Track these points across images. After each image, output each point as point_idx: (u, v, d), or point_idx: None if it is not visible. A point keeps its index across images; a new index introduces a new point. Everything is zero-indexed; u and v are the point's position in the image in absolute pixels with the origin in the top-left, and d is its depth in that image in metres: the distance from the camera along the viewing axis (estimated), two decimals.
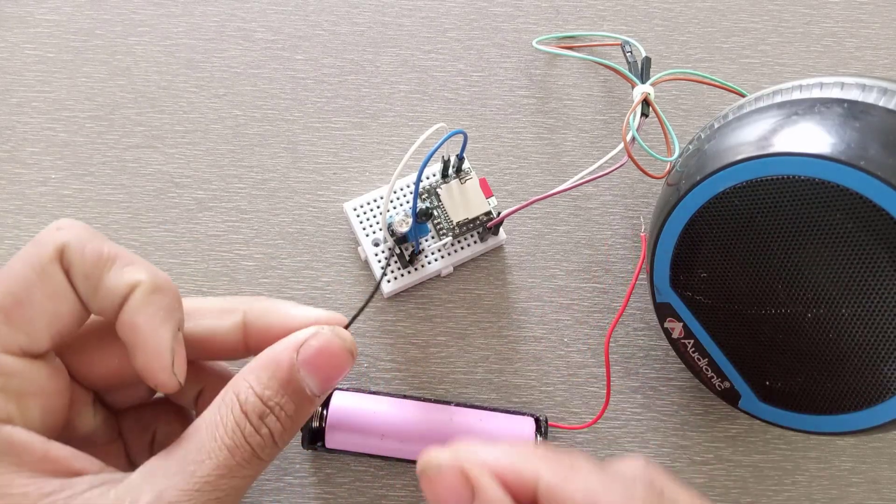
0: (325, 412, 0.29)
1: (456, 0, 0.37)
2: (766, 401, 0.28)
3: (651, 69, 0.33)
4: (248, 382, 0.23)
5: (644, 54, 0.33)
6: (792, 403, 0.27)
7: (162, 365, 0.22)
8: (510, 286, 0.33)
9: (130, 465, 0.26)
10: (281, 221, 0.34)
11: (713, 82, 0.34)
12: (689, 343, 0.29)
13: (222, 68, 0.36)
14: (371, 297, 0.27)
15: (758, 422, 0.30)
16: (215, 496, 0.21)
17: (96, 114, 0.35)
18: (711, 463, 0.31)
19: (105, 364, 0.24)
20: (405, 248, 0.32)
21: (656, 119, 0.32)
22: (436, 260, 0.32)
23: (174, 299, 0.23)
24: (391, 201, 0.33)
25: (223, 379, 0.27)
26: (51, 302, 0.22)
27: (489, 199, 0.32)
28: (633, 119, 0.30)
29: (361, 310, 0.26)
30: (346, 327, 0.25)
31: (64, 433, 0.23)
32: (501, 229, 0.33)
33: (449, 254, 0.33)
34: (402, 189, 0.33)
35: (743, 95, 0.33)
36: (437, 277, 0.33)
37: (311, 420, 0.29)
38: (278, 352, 0.23)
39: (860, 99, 0.25)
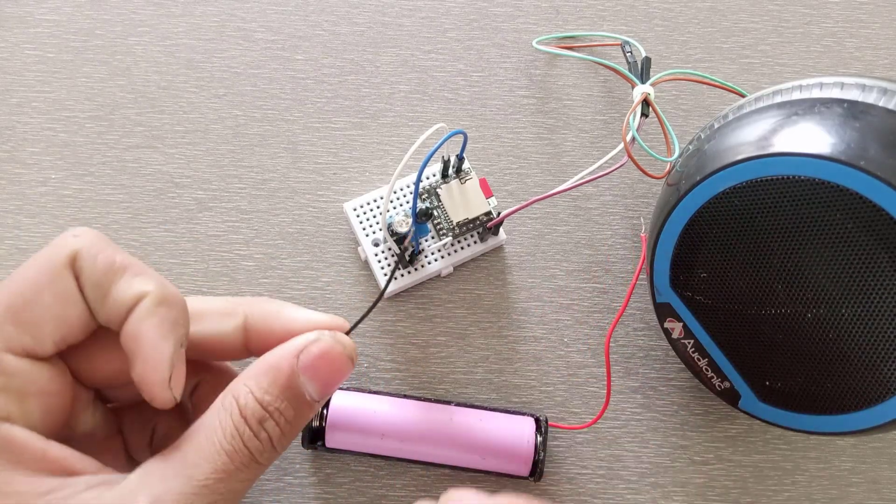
0: (325, 411, 0.29)
1: (456, 0, 0.37)
2: (765, 401, 0.28)
3: (651, 69, 0.33)
4: (247, 387, 0.23)
5: (644, 54, 0.33)
6: (792, 403, 0.27)
7: (159, 377, 0.22)
8: (510, 286, 0.33)
9: (130, 460, 0.26)
10: (281, 221, 0.34)
11: (713, 82, 0.34)
12: (689, 343, 0.29)
13: (222, 68, 0.36)
14: (375, 304, 0.27)
15: (758, 422, 0.30)
16: (212, 500, 0.21)
17: (96, 114, 0.35)
18: (711, 463, 0.31)
19: (108, 366, 0.24)
20: (405, 248, 0.32)
21: (656, 119, 0.32)
22: (436, 260, 0.32)
23: (180, 314, 0.23)
24: (391, 201, 0.33)
25: (219, 373, 0.27)
26: (59, 306, 0.22)
27: (489, 199, 0.32)
28: (633, 119, 0.30)
29: (364, 317, 0.26)
30: (348, 333, 0.25)
31: (64, 430, 0.23)
32: (501, 229, 0.33)
33: (449, 254, 0.33)
34: (402, 189, 0.33)
35: (743, 95, 0.33)
36: (437, 277, 0.33)
37: (311, 420, 0.29)
38: (279, 357, 0.23)
39: (860, 99, 0.25)
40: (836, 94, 0.25)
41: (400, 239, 0.31)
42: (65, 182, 0.34)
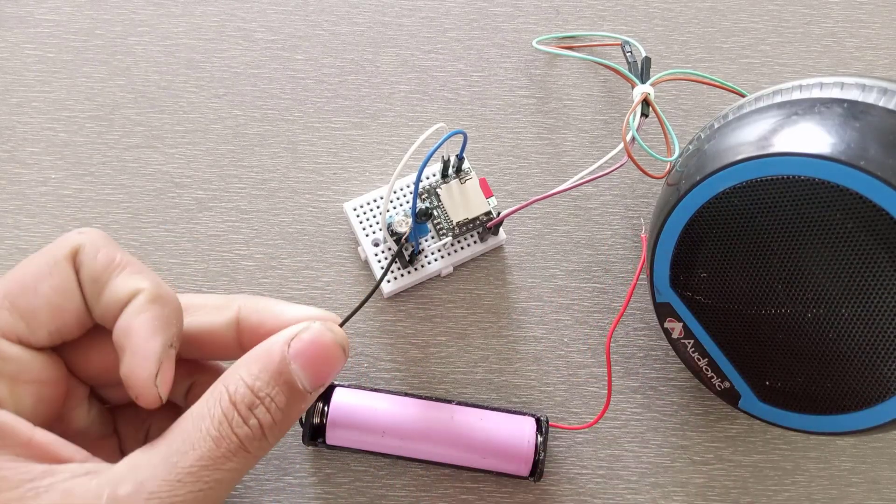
0: (326, 409, 0.29)
1: (456, 0, 0.37)
2: (766, 401, 0.28)
3: (651, 69, 0.33)
4: (238, 374, 0.22)
5: (644, 54, 0.33)
6: (792, 403, 0.27)
7: (145, 374, 0.22)
8: (510, 286, 0.33)
9: None
10: (281, 221, 0.34)
11: (713, 82, 0.34)
12: (689, 343, 0.29)
13: (222, 68, 0.36)
14: (368, 296, 0.27)
15: (758, 422, 0.30)
16: (198, 488, 0.21)
17: (96, 114, 0.35)
18: (711, 463, 0.31)
19: (101, 360, 0.24)
20: (405, 248, 0.32)
21: (656, 119, 0.32)
22: (436, 260, 0.32)
23: (173, 313, 0.23)
24: (391, 201, 0.33)
25: (214, 374, 0.27)
26: (56, 297, 0.22)
27: (489, 199, 0.32)
28: (633, 119, 0.30)
29: (357, 308, 0.26)
30: (341, 325, 0.25)
31: (58, 426, 0.23)
32: (501, 229, 0.33)
33: (449, 254, 0.33)
34: (402, 189, 0.33)
35: (743, 95, 0.33)
36: (437, 277, 0.33)
37: (312, 416, 0.29)
38: (270, 344, 0.23)
39: (860, 99, 0.25)
40: (836, 94, 0.25)
41: (399, 239, 0.31)
42: (65, 182, 0.34)
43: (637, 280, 0.30)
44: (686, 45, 0.37)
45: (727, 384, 0.28)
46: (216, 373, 0.27)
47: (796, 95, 0.26)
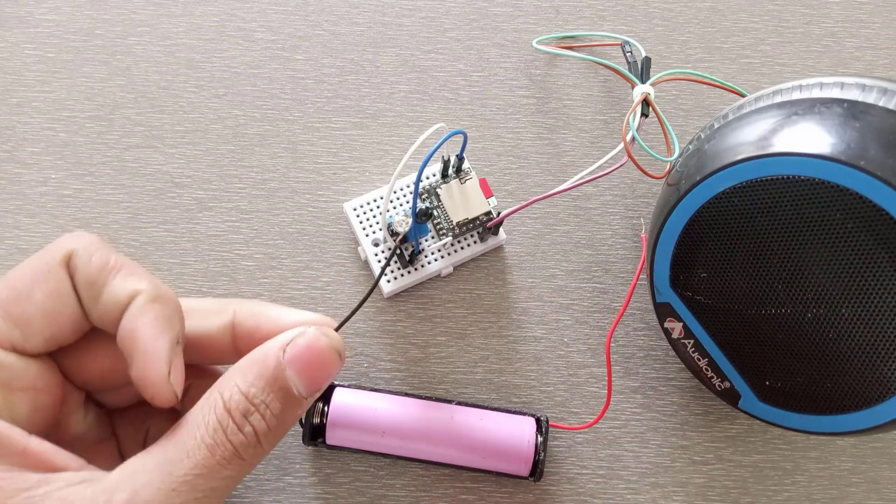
0: (326, 408, 0.29)
1: (456, 0, 0.37)
2: (766, 401, 0.28)
3: (651, 69, 0.33)
4: (233, 381, 0.22)
5: (644, 54, 0.33)
6: (792, 403, 0.27)
7: (159, 374, 0.22)
8: (510, 286, 0.33)
9: None
10: (281, 221, 0.34)
11: (713, 82, 0.34)
12: (689, 343, 0.29)
13: (222, 68, 0.36)
14: (365, 298, 0.27)
15: (758, 422, 0.30)
16: (193, 497, 0.21)
17: (96, 114, 0.35)
18: (711, 463, 0.31)
19: (97, 365, 0.24)
20: (405, 248, 0.32)
21: (656, 119, 0.32)
22: (436, 260, 0.32)
23: (174, 311, 0.23)
24: (391, 201, 0.33)
25: (210, 378, 0.27)
26: (51, 303, 0.22)
27: (489, 199, 0.32)
28: (633, 119, 0.30)
29: (354, 311, 0.26)
30: (337, 329, 0.25)
31: (55, 432, 0.23)
32: (501, 229, 0.33)
33: (449, 254, 0.33)
34: (402, 189, 0.33)
35: (743, 95, 0.33)
36: (437, 277, 0.33)
37: (312, 416, 0.29)
38: (265, 350, 0.23)
39: (860, 99, 0.25)
40: (836, 94, 0.25)
41: (400, 239, 0.31)
42: (65, 182, 0.34)
43: (637, 280, 0.30)
44: (686, 45, 0.37)
45: (727, 384, 0.28)
46: (213, 376, 0.27)
47: (796, 95, 0.26)
